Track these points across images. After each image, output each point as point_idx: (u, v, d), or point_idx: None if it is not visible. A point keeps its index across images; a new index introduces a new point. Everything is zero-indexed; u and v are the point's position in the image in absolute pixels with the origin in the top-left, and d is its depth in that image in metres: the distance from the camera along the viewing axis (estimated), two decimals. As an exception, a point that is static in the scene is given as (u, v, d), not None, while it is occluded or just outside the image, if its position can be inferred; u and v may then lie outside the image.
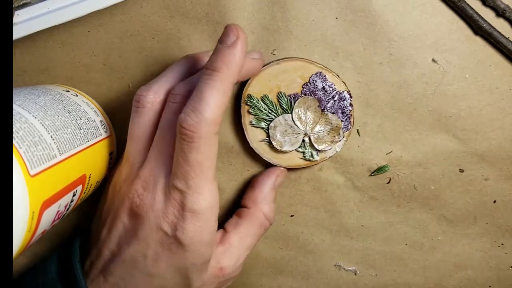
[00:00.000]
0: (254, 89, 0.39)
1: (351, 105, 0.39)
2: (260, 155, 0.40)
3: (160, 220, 0.32)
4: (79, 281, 0.33)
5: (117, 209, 0.34)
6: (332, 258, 0.44)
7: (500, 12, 0.39)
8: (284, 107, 0.39)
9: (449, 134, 0.41)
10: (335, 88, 0.39)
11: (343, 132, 0.40)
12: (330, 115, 0.39)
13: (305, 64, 0.39)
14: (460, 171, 0.42)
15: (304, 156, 0.40)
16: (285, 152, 0.40)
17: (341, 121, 0.39)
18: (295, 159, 0.40)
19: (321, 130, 0.40)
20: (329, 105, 0.39)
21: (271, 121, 0.39)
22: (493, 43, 0.39)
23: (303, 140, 0.40)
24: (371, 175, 0.42)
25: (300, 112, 0.39)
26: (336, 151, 0.40)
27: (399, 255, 0.43)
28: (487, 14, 0.39)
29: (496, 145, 0.41)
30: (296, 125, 0.39)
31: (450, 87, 0.40)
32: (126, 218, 0.34)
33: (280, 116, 0.39)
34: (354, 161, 0.42)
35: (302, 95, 0.39)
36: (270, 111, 0.39)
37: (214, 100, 0.30)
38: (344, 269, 0.44)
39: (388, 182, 0.42)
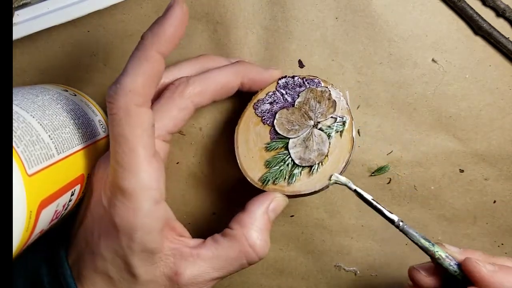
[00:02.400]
0: (255, 174, 0.36)
1: (294, 77, 0.37)
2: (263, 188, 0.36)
3: (102, 193, 0.31)
4: (62, 260, 0.32)
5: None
6: (332, 258, 0.44)
7: (500, 12, 0.39)
8: (281, 145, 0.36)
9: (449, 134, 0.41)
10: (273, 96, 0.37)
11: (323, 87, 0.37)
12: (299, 99, 0.37)
13: (244, 120, 0.37)
14: (460, 171, 0.41)
15: (340, 133, 0.36)
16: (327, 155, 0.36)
17: (309, 87, 0.37)
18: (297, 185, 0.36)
19: (316, 111, 0.37)
20: (293, 101, 0.37)
21: (294, 163, 0.36)
22: (493, 43, 0.39)
23: (321, 129, 0.36)
24: (371, 175, 0.42)
25: (289, 129, 0.37)
26: (346, 99, 0.36)
27: (399, 255, 0.43)
28: (487, 14, 0.39)
29: (496, 145, 0.41)
30: (304, 135, 0.36)
31: (450, 87, 0.40)
32: (88, 191, 0.33)
33: (290, 150, 0.36)
34: (354, 161, 0.42)
35: (275, 127, 0.37)
36: (283, 161, 0.36)
37: (133, 68, 0.29)
38: (344, 269, 0.44)
39: (388, 183, 0.42)
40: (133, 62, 0.29)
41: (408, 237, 0.34)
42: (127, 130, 0.29)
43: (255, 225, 0.34)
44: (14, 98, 0.30)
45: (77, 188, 0.32)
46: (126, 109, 0.28)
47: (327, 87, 0.37)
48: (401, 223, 0.33)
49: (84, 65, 0.40)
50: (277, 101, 0.37)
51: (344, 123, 0.36)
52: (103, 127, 0.37)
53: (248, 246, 0.33)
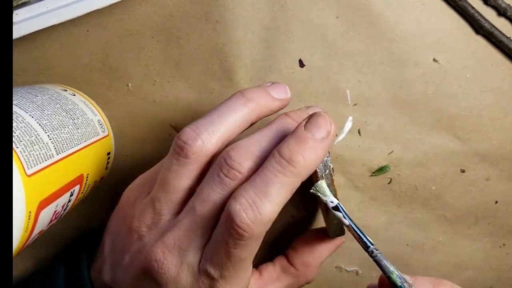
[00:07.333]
0: None
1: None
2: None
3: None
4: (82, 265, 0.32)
5: (130, 255, 0.30)
6: (333, 259, 0.43)
7: (501, 12, 0.39)
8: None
9: (450, 134, 0.41)
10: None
11: None
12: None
13: None
14: (461, 171, 0.41)
15: None
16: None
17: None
18: None
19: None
20: None
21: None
22: (494, 42, 0.39)
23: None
24: (371, 175, 0.42)
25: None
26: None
27: (400, 256, 0.43)
28: (488, 14, 0.39)
29: (498, 145, 0.41)
30: None
31: (451, 87, 0.40)
32: (138, 271, 0.29)
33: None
34: (354, 161, 0.41)
35: None
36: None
37: (279, 199, 0.26)
38: (346, 270, 0.44)
39: (389, 183, 0.42)
40: (280, 191, 0.26)
41: (380, 268, 0.30)
42: (248, 254, 0.27)
43: (319, 265, 0.38)
44: (13, 98, 0.30)
45: (76, 188, 0.32)
46: (258, 238, 0.26)
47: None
48: (375, 251, 0.30)
49: (83, 65, 0.40)
50: None
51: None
52: (103, 127, 0.36)
53: (306, 281, 0.38)
